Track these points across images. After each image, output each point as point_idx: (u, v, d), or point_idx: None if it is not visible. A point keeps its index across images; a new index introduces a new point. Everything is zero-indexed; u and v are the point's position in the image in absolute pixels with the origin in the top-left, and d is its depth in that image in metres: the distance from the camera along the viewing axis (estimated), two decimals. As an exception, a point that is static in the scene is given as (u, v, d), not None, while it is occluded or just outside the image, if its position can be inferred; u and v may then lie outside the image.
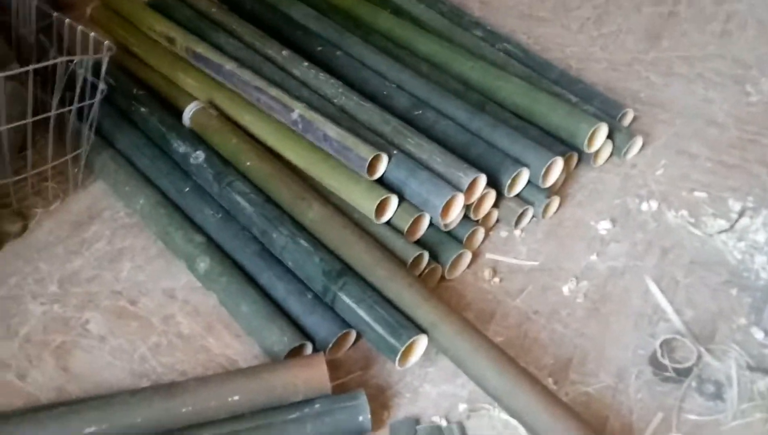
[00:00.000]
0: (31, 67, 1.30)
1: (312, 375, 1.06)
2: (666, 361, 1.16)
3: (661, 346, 1.18)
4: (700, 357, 1.18)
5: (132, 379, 1.18)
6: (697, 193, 1.49)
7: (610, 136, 1.54)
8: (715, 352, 1.20)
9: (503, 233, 1.43)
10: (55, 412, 1.03)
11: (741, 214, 1.43)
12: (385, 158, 1.33)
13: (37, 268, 1.37)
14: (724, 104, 1.73)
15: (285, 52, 1.63)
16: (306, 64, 1.59)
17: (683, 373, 1.16)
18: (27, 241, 1.42)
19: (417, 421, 1.12)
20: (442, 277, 1.33)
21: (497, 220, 1.44)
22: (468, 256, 1.35)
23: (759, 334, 1.22)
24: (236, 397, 1.04)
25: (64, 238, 1.42)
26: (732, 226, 1.41)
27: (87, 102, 1.40)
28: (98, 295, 1.31)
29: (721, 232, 1.40)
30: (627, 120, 1.66)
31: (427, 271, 1.29)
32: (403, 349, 1.11)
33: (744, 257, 1.35)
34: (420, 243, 1.33)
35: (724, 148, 1.60)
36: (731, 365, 1.17)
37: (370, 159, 1.30)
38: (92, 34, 1.42)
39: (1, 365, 1.21)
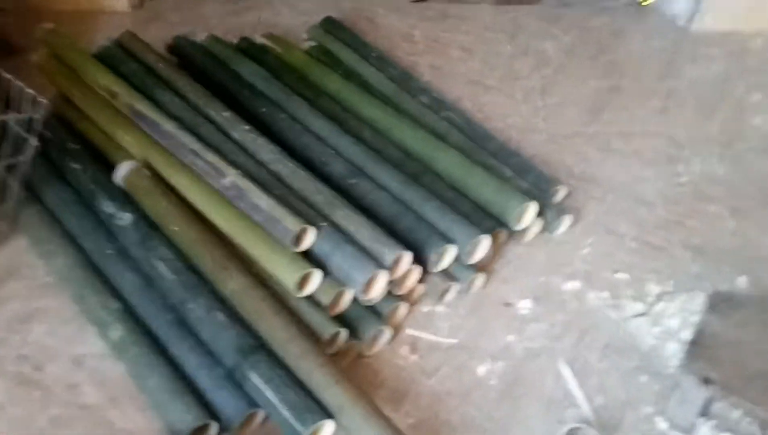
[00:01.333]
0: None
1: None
2: (568, 453, 1.17)
3: (566, 434, 1.19)
4: (603, 447, 1.20)
5: (29, 454, 1.16)
6: (619, 275, 1.52)
7: (540, 213, 1.57)
8: (618, 442, 1.22)
9: (426, 308, 1.44)
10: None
11: (658, 299, 1.46)
12: (312, 231, 1.35)
13: (-54, 325, 1.34)
14: (656, 183, 1.78)
15: (226, 114, 1.64)
16: (246, 127, 1.61)
17: (584, 465, 1.17)
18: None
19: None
20: (360, 353, 1.33)
21: (422, 295, 1.45)
22: (388, 334, 1.36)
23: (663, 424, 1.24)
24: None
25: (-24, 294, 1.40)
26: (648, 311, 1.44)
27: (18, 159, 1.40)
28: (3, 359, 1.28)
29: (636, 316, 1.43)
30: (560, 196, 1.69)
31: (344, 346, 1.30)
32: (307, 434, 1.11)
33: (657, 343, 1.38)
34: (341, 317, 1.34)
35: (651, 229, 1.64)
36: (632, 458, 1.19)
37: (296, 231, 1.31)
38: (29, 91, 1.43)
39: None
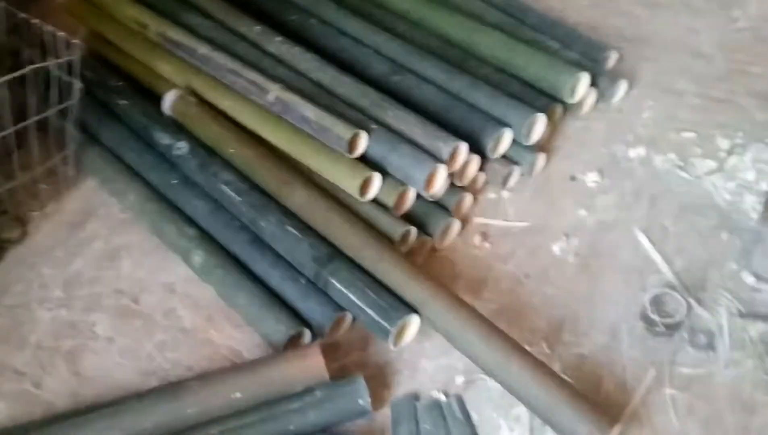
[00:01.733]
0: (3, 79, 1.30)
1: (309, 366, 1.10)
2: (656, 317, 1.17)
3: (650, 301, 1.19)
4: (690, 309, 1.20)
5: (141, 378, 1.22)
6: (684, 134, 1.48)
7: (593, 82, 1.52)
8: (705, 301, 1.22)
9: (491, 195, 1.43)
10: (68, 423, 1.08)
11: (730, 153, 1.42)
12: (364, 135, 1.33)
13: (40, 273, 1.39)
14: (711, 33, 1.69)
15: (257, 28, 1.60)
16: (279, 39, 1.57)
17: (674, 327, 1.18)
18: (27, 247, 1.44)
19: (416, 397, 1.15)
20: (433, 247, 1.34)
21: (485, 183, 1.44)
22: (456, 225, 1.36)
23: (749, 279, 1.23)
24: (238, 394, 1.08)
25: (63, 239, 1.44)
26: (721, 166, 1.40)
27: (66, 103, 1.40)
28: (101, 295, 1.34)
29: (709, 173, 1.40)
30: (611, 62, 1.63)
31: (417, 243, 1.31)
32: (395, 331, 1.14)
33: (733, 198, 1.35)
34: (408, 215, 1.34)
35: (712, 82, 1.58)
36: (722, 314, 1.19)
37: (349, 138, 1.30)
38: (61, 34, 1.41)
39: (17, 374, 1.25)
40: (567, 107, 1.52)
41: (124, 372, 1.24)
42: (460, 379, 1.17)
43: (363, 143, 1.33)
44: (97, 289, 1.36)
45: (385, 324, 1.14)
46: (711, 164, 1.41)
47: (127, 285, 1.36)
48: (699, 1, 1.78)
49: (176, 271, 1.35)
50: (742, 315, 1.19)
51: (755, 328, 1.17)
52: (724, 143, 1.44)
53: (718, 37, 1.67)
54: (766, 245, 1.20)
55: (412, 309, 1.17)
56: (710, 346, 1.16)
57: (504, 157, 1.43)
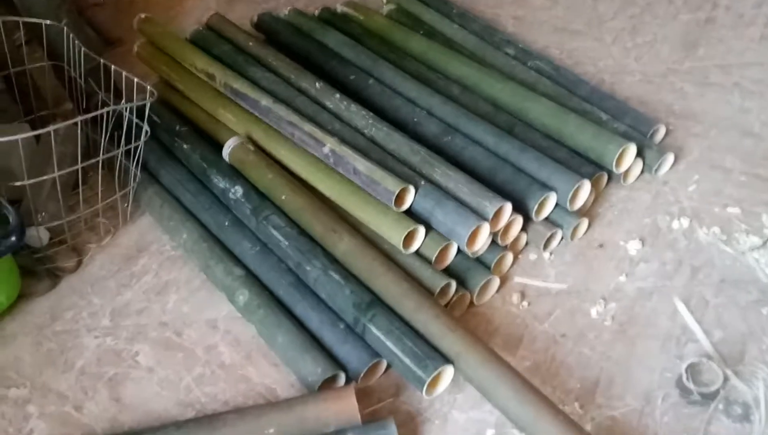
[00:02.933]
0: (80, 118, 1.40)
1: (342, 407, 1.12)
2: (691, 385, 1.17)
3: (686, 369, 1.19)
4: (726, 380, 1.19)
5: (178, 409, 1.26)
6: (729, 209, 1.48)
7: (640, 154, 1.54)
8: (743, 373, 1.20)
9: (532, 256, 1.45)
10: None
11: (774, 230, 1.42)
12: (412, 190, 1.38)
13: (91, 302, 1.46)
14: (761, 114, 1.71)
15: (318, 84, 1.69)
16: (338, 95, 1.65)
17: (709, 396, 1.17)
18: (81, 276, 1.52)
19: (445, 448, 1.16)
20: (471, 303, 1.36)
21: (526, 244, 1.46)
22: (496, 282, 1.38)
23: (789, 356, 1.22)
24: (271, 430, 1.10)
25: (115, 271, 1.52)
26: (765, 243, 1.40)
27: (133, 144, 1.49)
28: (147, 327, 1.40)
29: (753, 249, 1.40)
30: (659, 136, 1.66)
31: (455, 298, 1.33)
32: (429, 380, 1.16)
33: (776, 275, 1.35)
34: (448, 270, 1.37)
35: (759, 161, 1.59)
36: (759, 387, 1.18)
37: (397, 192, 1.35)
38: (135, 79, 1.52)
39: (60, 397, 1.30)
40: (612, 176, 1.54)
41: (163, 402, 1.28)
42: (490, 433, 1.17)
43: (410, 198, 1.37)
44: (143, 320, 1.41)
45: (420, 372, 1.16)
46: (755, 240, 1.41)
47: (172, 318, 1.41)
48: (750, 82, 1.80)
49: (220, 308, 1.40)
50: (779, 390, 1.17)
51: (793, 405, 1.15)
52: (768, 221, 1.44)
53: (766, 118, 1.69)
54: (807, 322, 1.19)
55: (447, 359, 1.19)
56: (745, 417, 1.14)
57: (547, 219, 1.45)
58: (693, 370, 1.19)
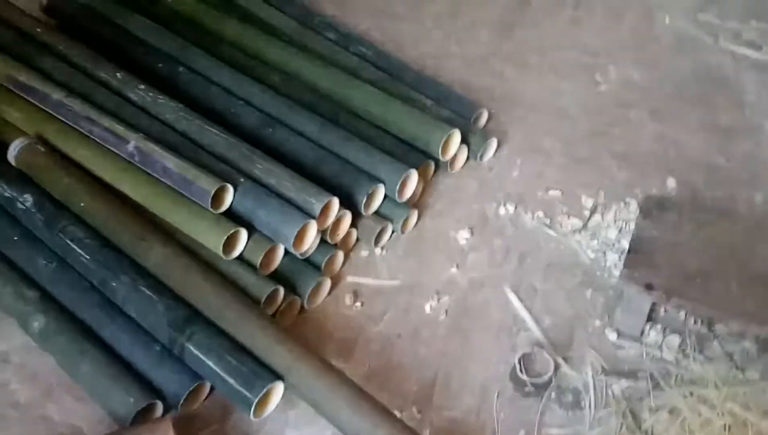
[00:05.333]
0: None
1: (158, 443, 1.00)
2: (524, 377, 1.16)
3: (519, 360, 1.18)
4: (557, 368, 1.19)
5: (-37, 463, 1.08)
6: (551, 192, 1.51)
7: (465, 140, 1.53)
8: (572, 359, 1.22)
9: (364, 253, 1.39)
10: None
11: (593, 212, 1.45)
12: (230, 188, 1.26)
13: None
14: (576, 95, 1.76)
15: (120, 74, 1.52)
16: (143, 86, 1.49)
17: (542, 386, 1.17)
18: None
19: (279, 471, 1.07)
20: (302, 308, 1.28)
21: (357, 240, 1.40)
22: (327, 284, 1.30)
23: (612, 335, 1.25)
24: (75, 479, 0.96)
25: None
26: (585, 225, 1.43)
27: None
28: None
29: (575, 231, 1.42)
30: (483, 120, 1.65)
31: (284, 305, 1.24)
32: (256, 400, 1.06)
33: (597, 256, 1.38)
34: (276, 275, 1.27)
35: (576, 142, 1.63)
36: (588, 372, 1.19)
37: (213, 191, 1.23)
38: None
39: None
40: (440, 164, 1.51)
41: (-56, 456, 1.08)
42: (326, 450, 1.10)
43: (229, 197, 1.26)
44: None
45: (247, 393, 1.06)
46: (576, 222, 1.43)
47: (-48, 355, 1.20)
48: (565, 64, 1.85)
49: (11, 338, 1.22)
50: (606, 372, 1.19)
51: (618, 385, 1.18)
52: (587, 202, 1.48)
53: (582, 99, 1.74)
54: (628, 302, 1.22)
55: (276, 375, 1.09)
56: (576, 404, 1.16)
57: (377, 213, 1.40)
58: (526, 360, 1.18)
